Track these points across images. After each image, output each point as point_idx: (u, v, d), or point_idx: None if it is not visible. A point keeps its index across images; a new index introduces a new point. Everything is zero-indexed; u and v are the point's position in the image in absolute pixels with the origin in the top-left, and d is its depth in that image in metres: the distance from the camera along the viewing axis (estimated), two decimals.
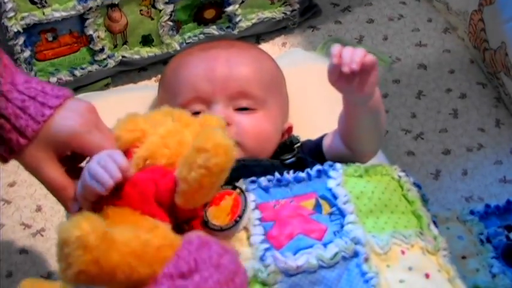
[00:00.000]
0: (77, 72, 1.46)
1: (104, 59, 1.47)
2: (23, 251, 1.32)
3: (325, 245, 0.99)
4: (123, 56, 1.49)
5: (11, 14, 1.36)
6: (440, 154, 1.45)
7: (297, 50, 1.51)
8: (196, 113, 1.17)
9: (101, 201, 0.96)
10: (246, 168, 1.09)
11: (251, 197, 1.03)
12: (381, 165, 1.13)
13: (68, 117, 0.99)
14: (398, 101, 1.51)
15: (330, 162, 1.08)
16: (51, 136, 0.99)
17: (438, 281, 1.00)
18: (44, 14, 1.39)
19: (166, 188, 0.96)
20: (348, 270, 0.98)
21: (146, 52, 1.50)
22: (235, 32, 1.53)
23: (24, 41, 1.40)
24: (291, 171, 1.08)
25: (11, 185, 1.38)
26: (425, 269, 1.01)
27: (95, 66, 1.47)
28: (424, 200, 1.11)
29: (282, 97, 1.26)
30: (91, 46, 1.45)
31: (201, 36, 1.52)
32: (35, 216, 1.36)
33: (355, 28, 1.62)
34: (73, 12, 1.40)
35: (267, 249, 0.97)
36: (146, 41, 1.49)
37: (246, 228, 1.00)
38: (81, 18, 1.42)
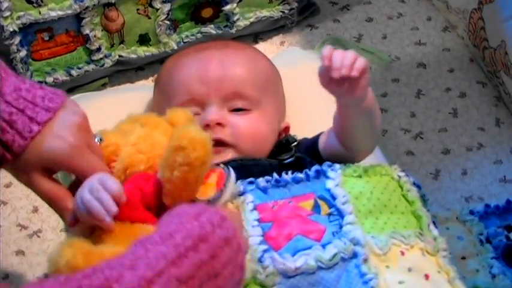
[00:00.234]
0: (74, 72, 1.46)
1: (101, 59, 1.47)
2: (20, 252, 1.32)
3: (323, 246, 0.99)
4: (120, 56, 1.49)
5: (7, 13, 1.36)
6: (439, 154, 1.46)
7: (295, 49, 1.52)
8: None
9: None
10: (244, 168, 1.09)
11: (249, 198, 1.03)
12: (380, 165, 1.13)
13: (59, 137, 0.96)
14: (397, 100, 1.52)
15: (328, 163, 1.09)
16: (40, 154, 0.96)
17: (438, 282, 1.00)
18: (40, 13, 1.38)
19: (151, 191, 0.97)
20: (347, 271, 0.98)
21: (143, 51, 1.50)
22: (233, 31, 1.53)
23: (20, 41, 1.40)
24: (289, 172, 1.08)
25: (7, 185, 1.38)
26: (424, 270, 1.01)
27: (92, 66, 1.47)
28: (424, 200, 1.11)
29: (278, 97, 1.26)
30: (88, 45, 1.45)
31: (199, 35, 1.52)
32: (32, 217, 1.36)
33: (353, 27, 1.62)
34: (69, 12, 1.40)
35: (265, 251, 0.98)
36: (143, 40, 1.49)
37: (245, 230, 1.00)
38: (78, 18, 1.42)
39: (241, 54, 1.25)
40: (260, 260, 0.97)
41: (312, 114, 1.34)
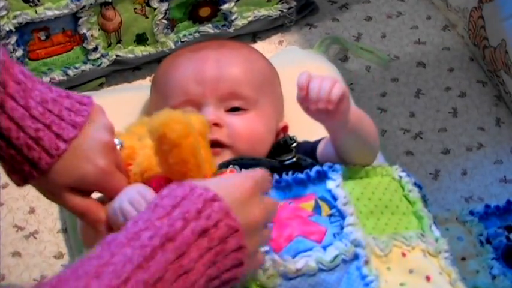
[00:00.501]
0: (70, 72, 1.46)
1: (98, 58, 1.47)
2: (16, 253, 1.32)
3: (324, 247, 0.99)
4: (117, 55, 1.48)
5: (3, 12, 1.36)
6: (439, 154, 1.46)
7: (294, 48, 1.52)
8: None
9: None
10: (244, 168, 1.09)
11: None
12: (380, 165, 1.13)
13: (89, 160, 0.94)
14: (396, 100, 1.52)
15: (329, 164, 1.09)
16: (69, 175, 0.94)
17: (439, 284, 1.00)
18: (36, 12, 1.38)
19: None
20: (348, 273, 0.98)
21: (141, 51, 1.50)
22: (231, 30, 1.53)
23: (17, 40, 1.39)
24: (290, 172, 1.08)
25: (4, 186, 1.38)
26: (426, 271, 1.01)
27: (89, 66, 1.47)
28: (425, 201, 1.11)
29: (276, 96, 1.26)
30: (84, 45, 1.45)
31: (197, 34, 1.52)
32: (28, 218, 1.36)
33: (352, 26, 1.62)
34: (66, 11, 1.40)
35: (266, 252, 0.97)
36: (140, 39, 1.49)
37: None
38: (74, 17, 1.42)
39: (238, 53, 1.25)
40: None
41: None
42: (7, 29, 1.37)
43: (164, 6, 1.46)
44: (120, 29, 1.47)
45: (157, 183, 0.99)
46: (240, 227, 0.83)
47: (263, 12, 1.55)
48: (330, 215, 1.04)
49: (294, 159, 1.14)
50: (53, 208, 1.37)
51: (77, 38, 1.45)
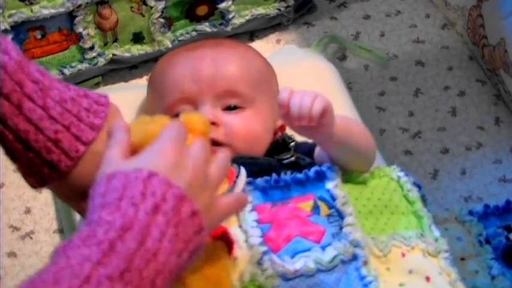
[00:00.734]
0: (67, 71, 1.46)
1: (94, 57, 1.47)
2: (12, 254, 1.32)
3: (323, 247, 0.99)
4: (113, 54, 1.48)
5: None
6: (438, 153, 1.46)
7: (292, 47, 1.51)
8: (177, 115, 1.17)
9: None
10: (243, 166, 1.09)
11: (248, 198, 1.03)
12: (377, 167, 1.13)
13: (111, 165, 0.89)
14: (395, 99, 1.52)
15: (328, 164, 1.09)
16: (87, 182, 0.88)
17: (439, 284, 1.01)
18: (32, 11, 1.38)
19: None
20: (347, 274, 0.98)
21: (137, 50, 1.49)
22: (229, 29, 1.53)
23: (12, 39, 1.39)
24: (288, 172, 1.08)
25: None
26: (425, 271, 1.01)
27: (85, 65, 1.47)
28: (424, 201, 1.11)
29: (273, 95, 1.26)
30: (81, 44, 1.45)
31: (194, 33, 1.52)
32: (24, 219, 1.36)
33: (351, 24, 1.62)
34: (62, 9, 1.40)
35: (264, 253, 0.98)
36: (137, 38, 1.49)
37: (244, 231, 1.00)
38: (71, 16, 1.42)
39: (234, 52, 1.25)
40: (259, 263, 0.97)
41: None
42: (2, 27, 1.37)
43: (161, 4, 1.46)
44: (116, 27, 1.47)
45: None
46: (186, 193, 0.80)
47: (261, 10, 1.55)
48: (329, 215, 1.04)
49: (293, 159, 1.14)
50: (49, 208, 1.37)
51: (73, 37, 1.45)
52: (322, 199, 1.05)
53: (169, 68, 1.23)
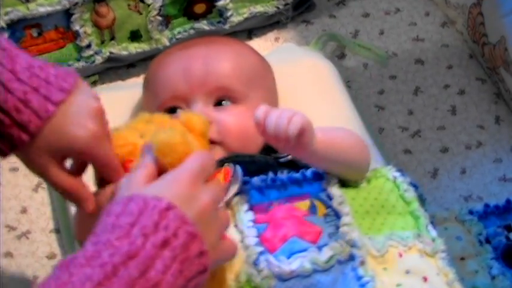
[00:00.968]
0: None
1: (91, 55, 1.47)
2: (8, 254, 1.32)
3: (319, 248, 0.99)
4: (110, 52, 1.48)
5: None
6: (438, 152, 1.46)
7: (290, 45, 1.51)
8: (173, 110, 1.17)
9: None
10: (239, 165, 1.09)
11: (244, 198, 1.03)
12: (374, 168, 1.13)
13: (80, 124, 0.94)
14: (394, 98, 1.52)
15: None
16: (59, 140, 0.93)
17: (436, 285, 1.01)
18: (28, 9, 1.38)
19: None
20: (344, 274, 0.98)
21: (134, 48, 1.49)
22: (227, 27, 1.53)
23: (8, 37, 1.39)
24: (285, 171, 1.08)
25: None
26: (423, 272, 1.01)
27: (82, 63, 1.46)
28: (422, 200, 1.11)
29: (268, 91, 1.26)
30: (77, 42, 1.45)
31: (191, 31, 1.51)
32: (20, 218, 1.36)
33: (350, 22, 1.62)
34: (58, 7, 1.39)
35: (260, 253, 0.98)
36: (134, 36, 1.49)
37: (240, 231, 1.00)
38: (67, 13, 1.42)
39: (227, 49, 1.25)
40: (255, 263, 0.97)
41: (307, 111, 1.33)
42: None
43: (158, 2, 1.46)
44: (113, 25, 1.47)
45: None
46: (198, 232, 0.83)
47: (259, 8, 1.55)
48: (326, 215, 1.04)
49: (290, 157, 1.13)
50: (46, 208, 1.37)
51: (70, 35, 1.45)
52: (319, 199, 1.05)
53: (162, 67, 1.23)
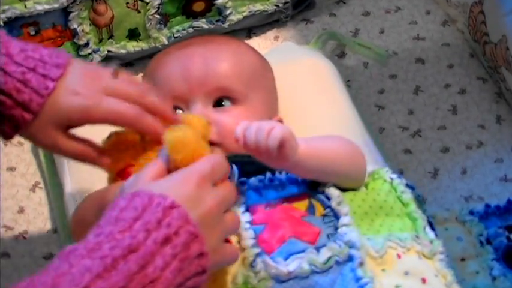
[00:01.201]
0: None
1: (89, 54, 1.47)
2: (5, 254, 1.32)
3: (318, 249, 0.99)
4: (108, 51, 1.48)
5: None
6: (438, 152, 1.45)
7: (290, 44, 1.51)
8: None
9: None
10: (237, 166, 1.08)
11: (241, 199, 1.03)
12: (371, 171, 1.13)
13: (73, 92, 0.98)
14: (395, 97, 1.51)
15: None
16: (59, 111, 0.97)
17: (435, 286, 1.01)
18: (25, 6, 1.38)
19: None
20: (342, 275, 0.98)
21: (133, 46, 1.49)
22: (226, 25, 1.53)
23: None
24: (283, 171, 1.08)
25: None
26: (421, 273, 1.01)
27: (83, 61, 1.46)
28: (419, 201, 1.11)
29: (267, 91, 1.25)
30: (75, 40, 1.45)
31: (190, 29, 1.51)
32: (17, 218, 1.36)
33: (350, 21, 1.62)
34: (56, 5, 1.39)
35: (257, 255, 0.97)
36: (133, 35, 1.49)
37: (237, 233, 1.00)
38: (65, 12, 1.42)
39: (226, 48, 1.24)
40: (252, 265, 0.97)
41: (306, 110, 1.34)
42: None
43: (157, 0, 1.46)
44: (111, 24, 1.47)
45: None
46: (200, 233, 0.84)
47: (258, 7, 1.55)
48: (324, 215, 1.04)
49: None
50: (43, 208, 1.37)
51: (68, 33, 1.45)
52: (317, 199, 1.05)
53: (160, 68, 1.23)
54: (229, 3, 1.51)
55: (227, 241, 0.92)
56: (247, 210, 1.02)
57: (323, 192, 1.05)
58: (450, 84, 1.53)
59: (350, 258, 0.99)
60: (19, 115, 0.97)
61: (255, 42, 1.56)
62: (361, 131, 1.34)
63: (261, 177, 1.06)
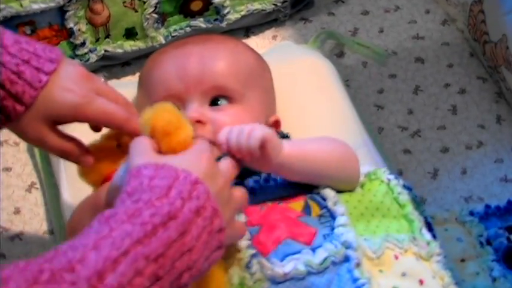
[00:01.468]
0: None
1: (86, 54, 1.46)
2: (1, 255, 1.32)
3: (314, 249, 0.99)
4: (105, 50, 1.48)
5: None
6: (438, 152, 1.45)
7: (288, 44, 1.51)
8: None
9: None
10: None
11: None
12: (367, 172, 1.12)
13: (67, 89, 0.99)
14: (394, 97, 1.51)
15: None
16: (51, 107, 0.98)
17: None
18: (21, 5, 1.38)
19: None
20: (339, 276, 0.98)
21: (130, 46, 1.49)
22: (224, 24, 1.52)
23: None
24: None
25: None
26: (419, 275, 1.01)
27: (76, 61, 1.46)
28: (416, 202, 1.11)
29: (264, 90, 1.25)
30: (72, 40, 1.45)
31: (188, 29, 1.51)
32: (13, 219, 1.35)
33: (349, 20, 1.61)
34: (52, 4, 1.39)
35: (253, 256, 0.97)
36: (130, 34, 1.49)
37: None
38: (61, 11, 1.41)
39: (223, 47, 1.24)
40: (248, 266, 0.97)
41: (305, 110, 1.34)
42: None
43: None
44: (108, 23, 1.46)
45: None
46: (219, 209, 0.86)
47: (256, 6, 1.54)
48: (320, 216, 1.03)
49: None
50: (39, 209, 1.37)
51: (64, 33, 1.44)
52: (313, 199, 1.05)
53: (157, 66, 1.23)
54: (227, 2, 1.51)
55: None
56: (242, 211, 1.02)
57: (318, 194, 1.05)
58: (450, 83, 1.53)
59: (347, 259, 0.99)
60: (11, 106, 0.97)
61: (253, 41, 1.56)
62: (360, 130, 1.33)
63: (256, 178, 1.06)
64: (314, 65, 1.42)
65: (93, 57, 1.47)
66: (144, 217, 0.81)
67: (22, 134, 1.02)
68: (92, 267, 0.76)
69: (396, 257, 1.02)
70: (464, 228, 1.32)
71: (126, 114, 1.02)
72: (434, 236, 1.09)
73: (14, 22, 1.39)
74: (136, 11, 1.47)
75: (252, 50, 1.29)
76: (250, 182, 1.05)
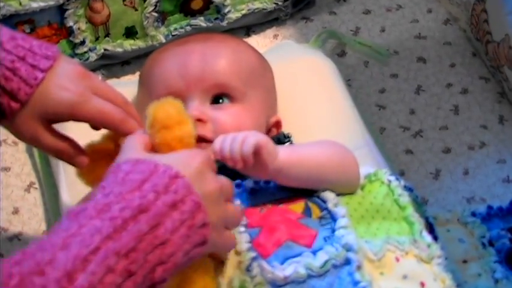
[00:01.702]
0: None
1: (85, 52, 1.46)
2: None
3: (314, 252, 0.99)
4: (105, 49, 1.48)
5: None
6: (440, 153, 1.45)
7: (289, 43, 1.51)
8: None
9: None
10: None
11: (236, 202, 1.02)
12: (368, 173, 1.12)
13: (63, 88, 0.98)
14: (396, 97, 1.51)
15: None
16: (47, 105, 0.98)
17: None
18: (20, 4, 1.38)
19: None
20: (339, 279, 0.97)
21: (130, 45, 1.49)
22: (224, 23, 1.52)
23: None
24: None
25: None
26: (420, 277, 1.01)
27: (76, 60, 1.46)
28: (418, 203, 1.10)
29: (266, 90, 1.25)
30: (71, 39, 1.44)
31: (188, 28, 1.51)
32: (12, 219, 1.35)
33: (350, 19, 1.61)
34: (52, 3, 1.39)
35: (253, 259, 0.97)
36: (130, 33, 1.49)
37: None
38: (61, 9, 1.41)
39: (224, 46, 1.24)
40: (248, 269, 0.96)
41: (306, 109, 1.34)
42: None
43: None
44: (108, 21, 1.46)
45: None
46: (203, 204, 0.86)
47: (257, 5, 1.54)
48: (321, 218, 1.03)
49: None
50: (38, 209, 1.37)
51: (64, 31, 1.44)
52: (314, 201, 1.05)
53: (158, 64, 1.23)
54: (228, 1, 1.51)
55: None
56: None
57: (318, 196, 1.05)
58: (452, 83, 1.53)
59: (347, 262, 0.98)
60: (6, 103, 0.97)
61: (254, 40, 1.56)
62: (361, 130, 1.33)
63: (256, 179, 1.05)
64: (315, 65, 1.42)
65: (92, 56, 1.47)
66: (113, 211, 0.81)
67: (17, 132, 1.01)
68: (61, 268, 0.75)
69: (397, 260, 1.02)
70: (466, 229, 1.31)
71: (122, 115, 1.01)
72: (435, 238, 1.09)
73: (13, 20, 1.39)
74: (136, 10, 1.47)
75: (254, 49, 1.29)
76: (250, 183, 1.05)
